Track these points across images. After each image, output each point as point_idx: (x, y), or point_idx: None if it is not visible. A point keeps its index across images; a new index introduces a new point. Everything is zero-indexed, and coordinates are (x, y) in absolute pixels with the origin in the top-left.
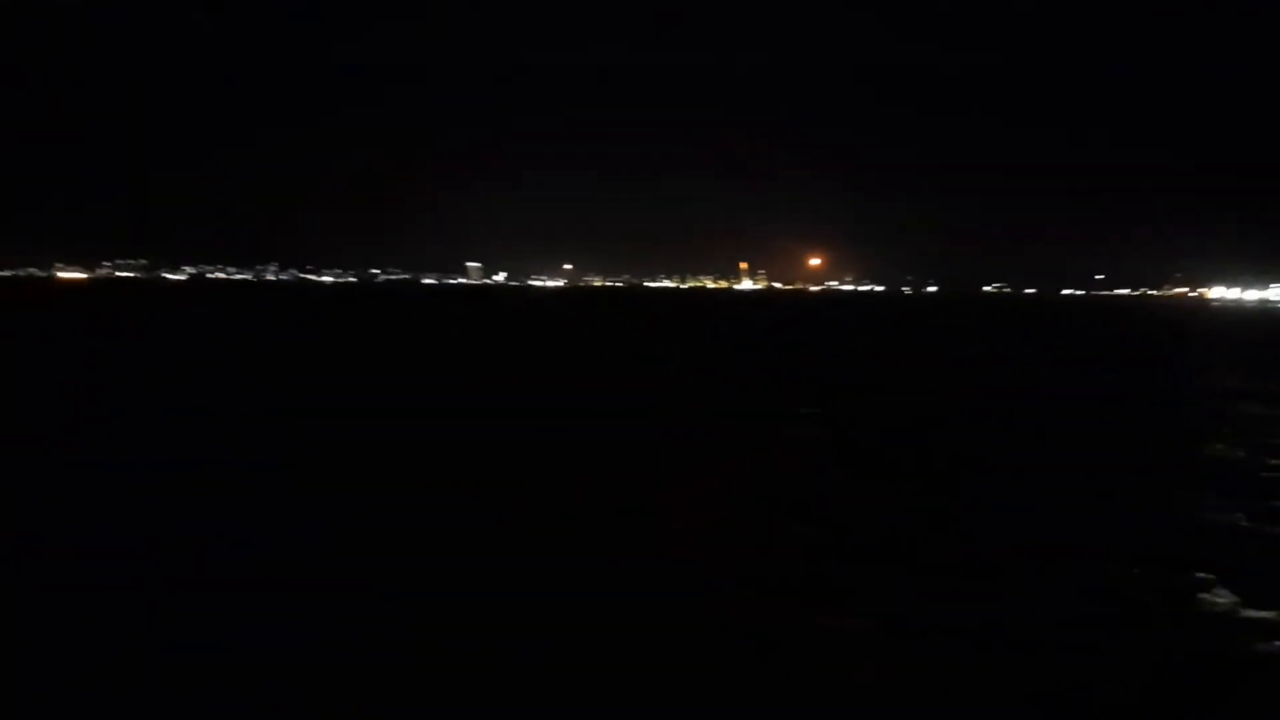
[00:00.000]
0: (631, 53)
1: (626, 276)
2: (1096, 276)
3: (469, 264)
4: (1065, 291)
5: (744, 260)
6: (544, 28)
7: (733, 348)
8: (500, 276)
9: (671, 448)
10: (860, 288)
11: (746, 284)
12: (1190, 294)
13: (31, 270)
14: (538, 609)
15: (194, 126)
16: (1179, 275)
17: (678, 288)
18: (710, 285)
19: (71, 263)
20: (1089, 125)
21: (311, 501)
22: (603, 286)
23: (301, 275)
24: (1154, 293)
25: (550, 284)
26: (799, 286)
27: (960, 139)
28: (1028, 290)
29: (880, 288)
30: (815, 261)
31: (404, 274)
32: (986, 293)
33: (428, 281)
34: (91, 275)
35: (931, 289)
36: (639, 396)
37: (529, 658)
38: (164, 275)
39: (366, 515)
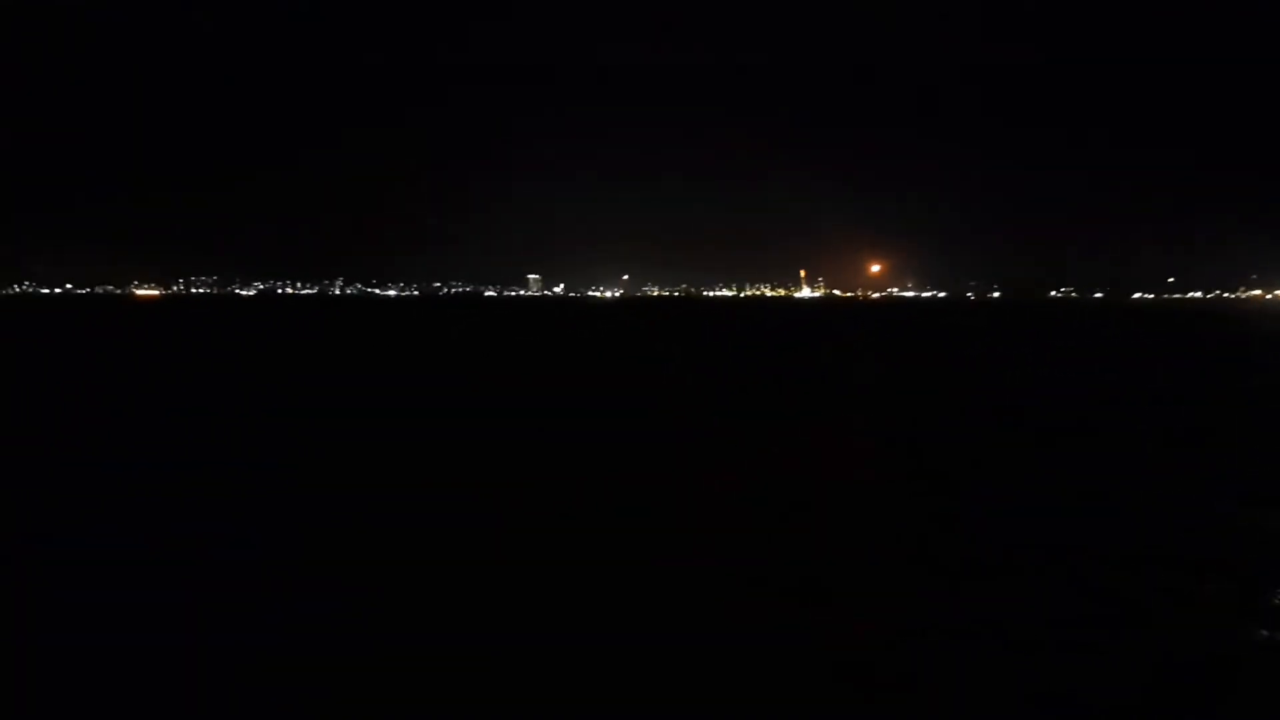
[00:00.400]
0: (638, 53)
1: (684, 285)
2: (1168, 279)
3: (529, 276)
4: (1136, 295)
5: (803, 267)
6: (562, 27)
7: (740, 350)
8: (559, 288)
9: (671, 448)
10: (922, 294)
11: (806, 292)
12: (1266, 297)
13: (108, 287)
14: (537, 608)
15: (216, 137)
16: (1254, 277)
17: (736, 296)
18: (769, 293)
19: (147, 280)
20: (1158, 126)
21: (320, 502)
22: (659, 296)
23: (366, 289)
24: (1228, 295)
25: (608, 294)
26: (859, 293)
27: (1022, 142)
28: (1095, 295)
29: (943, 294)
30: (875, 268)
31: (466, 287)
32: (1052, 298)
33: (489, 294)
34: (166, 292)
35: (995, 294)
36: (641, 397)
37: (527, 658)
38: (236, 291)
39: (368, 515)
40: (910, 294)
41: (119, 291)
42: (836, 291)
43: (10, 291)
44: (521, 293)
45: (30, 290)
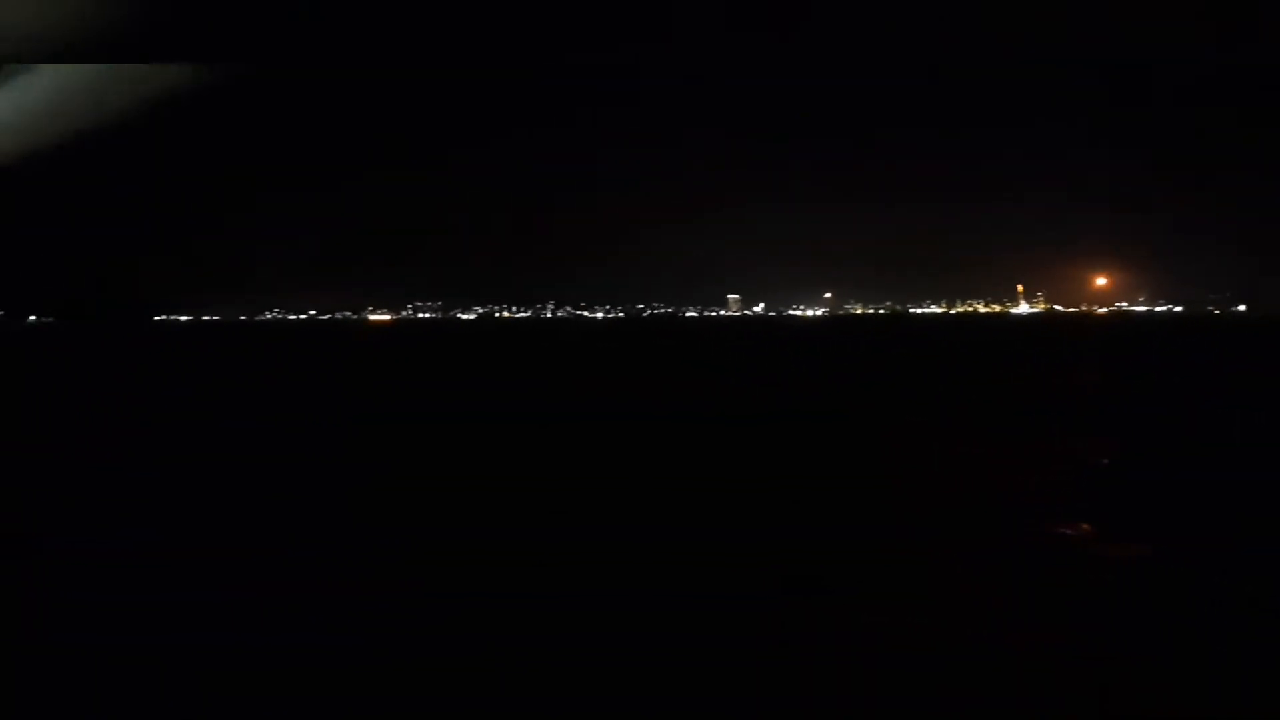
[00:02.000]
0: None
1: (889, 303)
2: None
3: (729, 296)
4: None
5: (1020, 281)
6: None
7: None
8: (759, 307)
9: (700, 446)
10: (1156, 308)
11: (1023, 307)
12: None
13: (346, 313)
14: (552, 609)
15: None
16: None
17: (946, 313)
18: (982, 309)
19: (380, 306)
20: None
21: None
22: (864, 314)
23: (575, 312)
24: None
25: (809, 313)
26: (1084, 309)
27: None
28: None
29: (1179, 308)
30: (1101, 281)
31: (668, 308)
32: None
33: (690, 314)
34: (397, 317)
35: (1240, 308)
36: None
37: (544, 660)
38: (457, 315)
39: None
40: (1142, 308)
41: (355, 317)
42: (1058, 307)
43: (263, 318)
44: (722, 313)
45: (279, 317)
